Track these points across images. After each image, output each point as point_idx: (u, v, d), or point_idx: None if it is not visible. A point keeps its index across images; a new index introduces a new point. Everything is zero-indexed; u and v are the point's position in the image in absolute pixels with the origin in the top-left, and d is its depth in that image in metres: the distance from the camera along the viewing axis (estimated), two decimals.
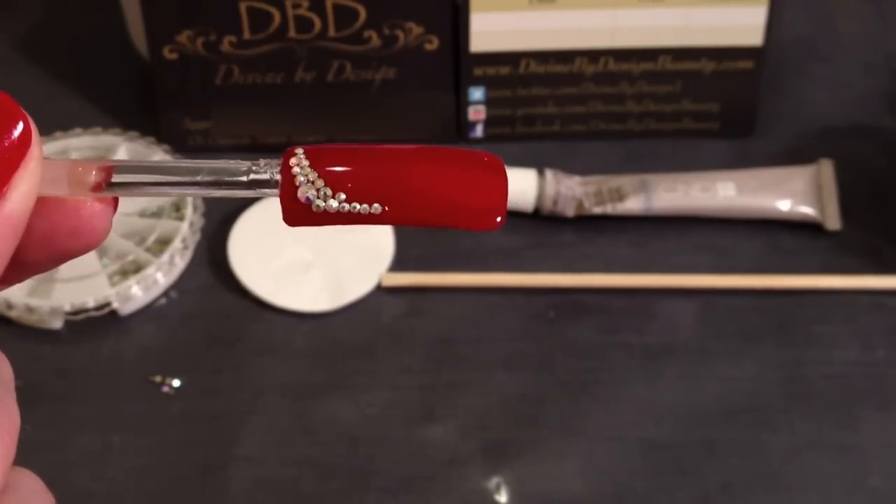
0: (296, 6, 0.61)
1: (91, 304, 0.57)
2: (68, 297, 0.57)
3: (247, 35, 0.62)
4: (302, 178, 0.24)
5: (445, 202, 0.24)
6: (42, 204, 0.24)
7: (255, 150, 0.66)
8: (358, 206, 0.24)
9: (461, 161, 0.24)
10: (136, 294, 0.58)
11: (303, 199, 0.24)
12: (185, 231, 0.59)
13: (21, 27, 0.73)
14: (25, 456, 0.24)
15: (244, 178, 0.24)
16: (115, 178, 0.24)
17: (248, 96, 0.64)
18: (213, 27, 0.61)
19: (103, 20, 0.71)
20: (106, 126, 0.64)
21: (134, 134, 0.63)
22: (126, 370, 0.56)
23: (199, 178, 0.24)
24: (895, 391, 0.55)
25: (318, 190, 0.24)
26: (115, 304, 0.57)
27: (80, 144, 0.63)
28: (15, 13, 0.74)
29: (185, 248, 0.60)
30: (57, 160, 0.24)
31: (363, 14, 0.61)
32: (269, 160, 0.25)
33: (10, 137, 0.23)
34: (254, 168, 0.24)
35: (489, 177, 0.24)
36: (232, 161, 0.25)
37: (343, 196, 0.24)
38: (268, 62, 0.63)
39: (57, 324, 0.57)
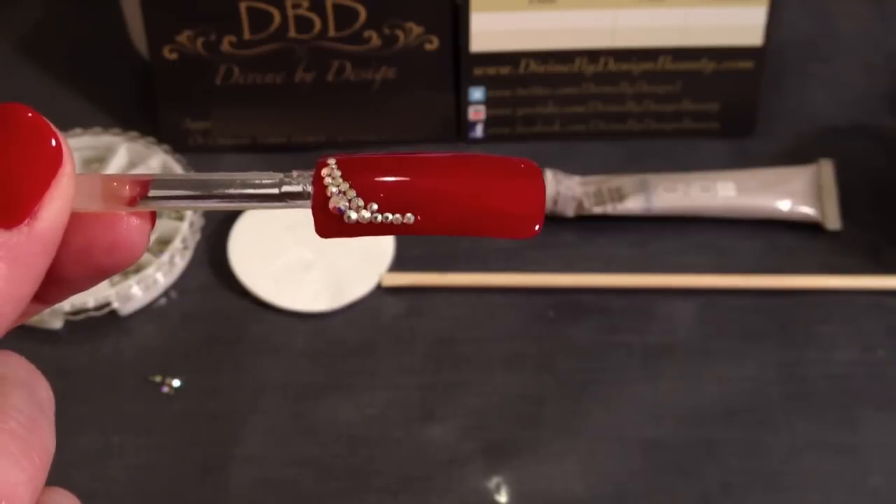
0: (296, 6, 0.61)
1: (91, 304, 0.57)
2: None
3: (247, 35, 0.62)
4: (334, 189, 0.24)
5: (480, 211, 0.24)
6: (77, 219, 0.24)
7: (255, 150, 0.66)
8: (390, 216, 0.24)
9: (496, 168, 0.24)
10: (136, 294, 0.58)
11: (334, 210, 0.24)
12: (185, 231, 0.59)
13: (21, 27, 0.73)
14: None
15: (276, 191, 0.24)
16: (151, 193, 0.24)
17: (248, 96, 0.64)
18: (213, 27, 0.61)
19: (103, 20, 0.71)
20: (106, 126, 0.64)
21: (134, 134, 0.63)
22: (126, 370, 0.56)
23: (231, 192, 0.24)
24: (895, 391, 0.55)
25: (349, 200, 0.24)
26: (115, 304, 0.57)
27: (79, 144, 0.63)
28: (15, 13, 0.74)
29: (185, 248, 0.60)
30: (91, 175, 0.24)
31: (363, 14, 0.61)
32: (301, 172, 0.24)
33: (42, 155, 0.22)
34: (285, 180, 0.24)
35: (526, 184, 0.24)
36: (264, 173, 0.24)
37: (375, 206, 0.24)
38: (268, 62, 0.63)
39: (57, 324, 0.57)
